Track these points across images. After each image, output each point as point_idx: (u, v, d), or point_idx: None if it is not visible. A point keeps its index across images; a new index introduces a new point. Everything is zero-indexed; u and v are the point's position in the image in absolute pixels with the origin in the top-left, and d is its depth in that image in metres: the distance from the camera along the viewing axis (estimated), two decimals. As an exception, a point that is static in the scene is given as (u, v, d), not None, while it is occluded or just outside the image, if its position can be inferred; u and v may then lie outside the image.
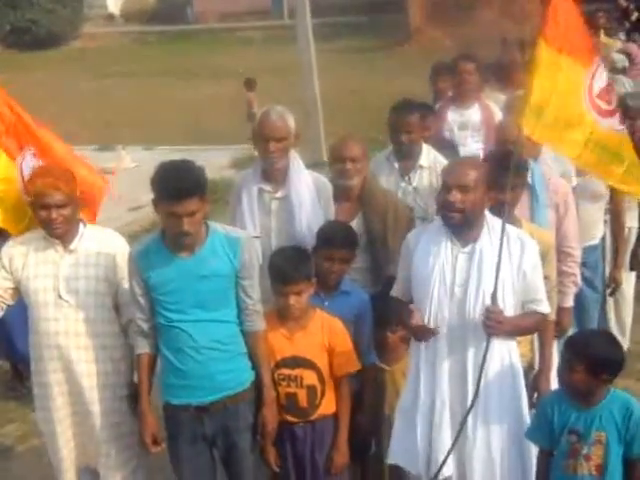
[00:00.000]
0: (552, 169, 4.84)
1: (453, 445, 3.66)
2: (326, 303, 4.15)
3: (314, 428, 4.05)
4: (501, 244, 3.62)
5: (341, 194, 4.57)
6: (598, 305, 5.65)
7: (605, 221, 5.55)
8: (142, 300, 3.85)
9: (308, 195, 4.40)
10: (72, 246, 4.05)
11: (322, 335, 4.00)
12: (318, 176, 4.57)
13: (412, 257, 3.80)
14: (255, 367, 3.92)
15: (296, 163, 4.45)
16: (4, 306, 4.13)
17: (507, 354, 3.73)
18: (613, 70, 8.23)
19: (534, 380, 4.12)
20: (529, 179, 4.49)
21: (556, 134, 3.91)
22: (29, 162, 4.38)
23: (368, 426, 4.23)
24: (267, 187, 4.43)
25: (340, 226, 4.35)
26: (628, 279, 6.01)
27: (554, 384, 4.21)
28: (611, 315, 6.06)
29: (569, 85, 3.88)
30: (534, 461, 3.73)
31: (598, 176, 4.29)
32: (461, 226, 3.68)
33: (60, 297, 4.02)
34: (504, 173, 3.75)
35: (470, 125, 6.33)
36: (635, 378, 5.44)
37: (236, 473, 4.00)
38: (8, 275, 4.07)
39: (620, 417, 3.44)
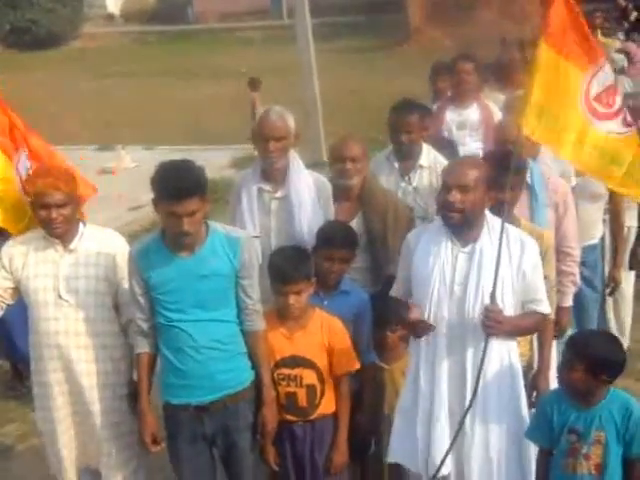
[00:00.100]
0: (551, 169, 4.84)
1: (452, 444, 3.67)
2: (325, 302, 4.15)
3: (314, 427, 4.05)
4: (500, 244, 3.62)
5: (341, 194, 4.57)
6: (597, 304, 5.66)
7: (604, 220, 5.55)
8: (142, 300, 3.85)
9: (308, 195, 4.41)
10: (72, 246, 4.06)
11: (322, 334, 4.00)
12: (318, 176, 4.57)
13: (412, 257, 3.81)
14: (255, 367, 3.92)
15: (296, 163, 4.46)
16: (4, 306, 4.13)
17: (506, 354, 3.74)
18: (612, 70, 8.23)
19: (533, 379, 4.12)
20: (528, 179, 4.49)
21: (555, 135, 3.92)
22: (24, 163, 4.39)
23: (367, 425, 4.23)
24: (267, 187, 4.44)
25: (340, 226, 4.35)
26: (627, 278, 6.01)
27: (553, 384, 4.22)
28: (610, 315, 6.06)
29: (566, 87, 3.89)
30: (533, 461, 3.74)
31: (596, 178, 4.29)
32: (461, 226, 3.68)
33: (60, 297, 4.02)
34: (503, 173, 3.75)
35: (468, 124, 6.34)
36: (635, 378, 5.44)
37: (236, 472, 4.00)
38: (8, 275, 4.07)
39: (620, 417, 3.45)
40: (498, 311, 3.60)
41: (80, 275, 4.04)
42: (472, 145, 6.13)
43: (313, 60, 12.62)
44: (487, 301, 3.60)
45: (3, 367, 6.50)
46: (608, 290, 5.75)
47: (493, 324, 3.57)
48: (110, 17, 34.07)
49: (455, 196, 3.61)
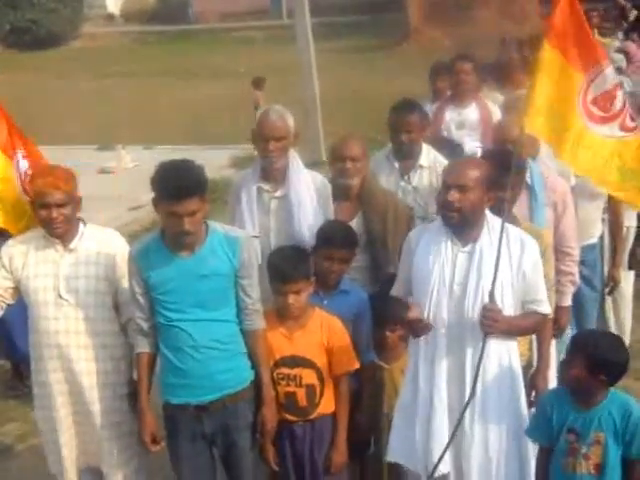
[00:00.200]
0: (550, 168, 4.85)
1: (449, 442, 3.67)
2: (325, 302, 4.16)
3: (313, 427, 4.06)
4: (500, 243, 3.62)
5: (341, 193, 4.58)
6: (597, 304, 5.66)
7: (603, 220, 5.55)
8: (142, 299, 3.85)
9: (307, 194, 4.41)
10: (72, 245, 4.06)
11: (321, 334, 4.01)
12: (317, 175, 4.58)
13: (413, 256, 3.81)
14: (254, 366, 3.93)
15: (295, 162, 4.46)
16: (4, 305, 4.14)
17: (506, 354, 3.74)
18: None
19: (532, 379, 4.12)
20: (528, 178, 4.50)
21: (557, 135, 3.93)
22: (21, 163, 4.40)
23: (367, 425, 4.24)
24: (266, 186, 4.44)
25: (340, 226, 4.36)
26: (627, 278, 6.02)
27: (552, 383, 4.23)
28: (610, 314, 6.06)
29: (567, 88, 3.90)
30: (533, 460, 3.74)
31: (593, 181, 4.27)
32: (461, 226, 3.69)
33: (60, 296, 4.03)
34: (503, 172, 3.76)
35: (467, 124, 6.35)
36: (634, 377, 5.43)
37: (236, 472, 4.00)
38: (8, 274, 4.08)
39: (619, 418, 3.45)
40: (497, 310, 3.61)
41: (80, 275, 4.05)
42: (471, 144, 6.14)
43: (313, 60, 12.63)
44: (486, 300, 3.61)
45: (3, 367, 6.50)
46: (607, 289, 5.76)
47: (491, 323, 3.58)
48: (110, 17, 34.06)
49: (454, 196, 3.62)
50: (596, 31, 9.76)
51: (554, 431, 3.56)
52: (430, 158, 5.04)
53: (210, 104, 16.52)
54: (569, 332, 4.84)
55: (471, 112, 6.37)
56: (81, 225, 4.13)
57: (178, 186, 3.58)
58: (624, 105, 4.01)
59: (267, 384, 3.93)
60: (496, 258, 3.60)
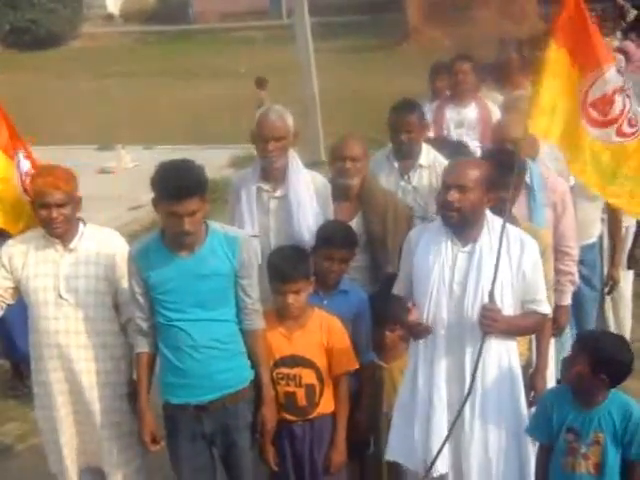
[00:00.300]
0: (550, 169, 4.86)
1: (446, 439, 3.67)
2: (325, 302, 4.17)
3: (313, 427, 4.06)
4: (500, 243, 3.63)
5: (341, 193, 4.58)
6: (596, 303, 5.66)
7: (603, 220, 5.55)
8: (141, 299, 3.86)
9: (307, 194, 4.41)
10: (72, 245, 4.07)
11: (321, 334, 4.01)
12: (317, 175, 4.58)
13: (413, 256, 3.82)
14: (254, 366, 3.93)
15: (295, 162, 4.46)
16: (4, 305, 4.14)
17: (506, 353, 3.74)
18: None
19: (530, 378, 4.13)
20: (527, 179, 4.50)
21: (559, 136, 3.94)
22: (22, 162, 4.41)
23: (366, 424, 4.24)
24: (266, 186, 4.45)
25: (340, 226, 4.36)
26: (626, 277, 6.02)
27: (550, 382, 4.23)
28: (609, 314, 6.06)
29: (571, 88, 3.90)
30: (532, 460, 3.74)
31: (585, 183, 4.24)
32: (461, 226, 3.69)
33: (60, 296, 4.03)
34: (503, 172, 3.77)
35: (466, 123, 6.37)
36: (635, 377, 5.44)
37: (235, 472, 4.00)
38: (8, 274, 4.08)
39: (619, 419, 3.45)
40: (496, 310, 3.61)
41: (80, 274, 4.05)
42: (470, 143, 6.15)
43: (312, 60, 12.63)
44: (486, 300, 3.61)
45: (3, 367, 6.50)
46: (606, 289, 5.76)
47: (490, 322, 3.58)
48: (110, 17, 34.05)
49: (454, 196, 3.63)
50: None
51: (554, 430, 3.56)
52: (430, 158, 5.04)
53: (210, 104, 16.52)
54: (568, 332, 4.85)
55: (470, 111, 6.40)
56: (81, 225, 4.13)
57: (178, 186, 3.58)
58: (623, 110, 3.98)
59: (267, 384, 3.93)
60: (496, 258, 3.60)
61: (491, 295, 3.60)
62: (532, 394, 4.08)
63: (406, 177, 5.00)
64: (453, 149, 5.34)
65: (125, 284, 4.01)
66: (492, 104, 6.37)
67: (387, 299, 4.03)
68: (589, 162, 3.95)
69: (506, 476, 3.74)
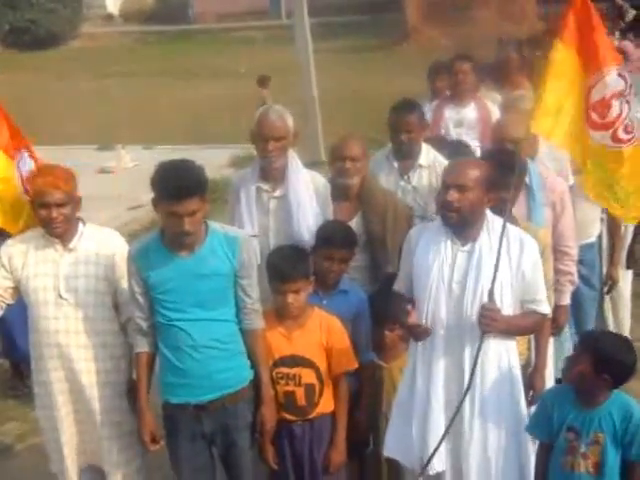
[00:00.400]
0: (549, 168, 4.86)
1: (443, 436, 3.67)
2: (324, 302, 4.17)
3: (312, 426, 4.06)
4: (500, 243, 3.63)
5: (340, 193, 4.58)
6: (595, 303, 5.66)
7: (602, 219, 5.56)
8: (141, 299, 3.86)
9: (306, 194, 4.41)
10: (72, 245, 4.07)
11: (320, 334, 4.02)
12: (316, 175, 4.58)
13: (413, 255, 3.82)
14: (254, 366, 3.93)
15: (294, 162, 4.46)
16: (4, 305, 4.14)
17: (505, 353, 3.75)
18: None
19: (529, 378, 4.13)
20: (526, 178, 4.51)
21: (564, 136, 3.94)
22: (26, 161, 4.41)
23: (366, 424, 4.25)
24: (265, 186, 4.45)
25: (339, 226, 4.37)
26: (625, 277, 6.02)
27: (549, 382, 4.24)
28: (609, 314, 6.07)
29: (577, 88, 3.90)
30: (532, 459, 3.74)
31: (586, 189, 4.23)
32: (461, 225, 3.69)
33: (60, 296, 4.03)
34: (502, 172, 3.77)
35: (465, 122, 6.38)
36: (637, 378, 5.44)
37: (235, 471, 4.00)
38: (8, 274, 4.09)
39: (619, 419, 3.45)
40: (495, 310, 3.61)
41: (80, 274, 4.05)
42: (469, 143, 6.15)
43: (312, 60, 12.63)
44: (485, 299, 3.62)
45: (3, 366, 6.50)
46: (606, 289, 5.77)
47: (489, 322, 3.58)
48: (109, 17, 34.06)
49: (453, 195, 3.63)
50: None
51: (554, 428, 3.56)
52: (430, 158, 5.04)
53: (210, 104, 16.53)
54: (567, 331, 4.86)
55: (470, 111, 6.41)
56: (80, 225, 4.13)
57: (178, 186, 3.58)
58: (619, 115, 3.96)
59: (266, 384, 3.93)
60: (496, 258, 3.61)
61: (490, 294, 3.60)
62: (531, 393, 4.09)
63: (406, 177, 5.01)
64: (453, 149, 5.35)
65: (125, 284, 4.01)
66: (491, 104, 6.37)
67: (387, 299, 4.03)
68: (590, 165, 3.95)
69: (505, 476, 3.74)
